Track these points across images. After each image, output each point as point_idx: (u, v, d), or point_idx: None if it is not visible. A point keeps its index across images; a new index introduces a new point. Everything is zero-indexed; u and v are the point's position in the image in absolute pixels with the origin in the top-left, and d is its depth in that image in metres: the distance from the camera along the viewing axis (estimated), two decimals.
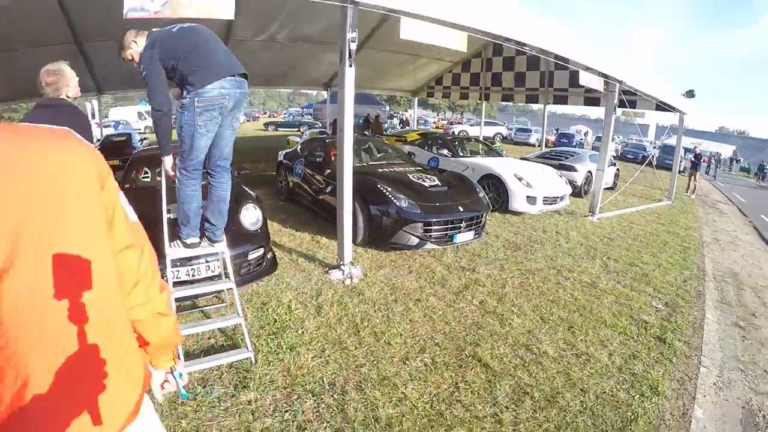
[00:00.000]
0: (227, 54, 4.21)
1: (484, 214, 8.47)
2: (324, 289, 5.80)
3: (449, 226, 7.63)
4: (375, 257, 7.19)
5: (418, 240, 7.33)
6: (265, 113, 76.76)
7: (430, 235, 7.45)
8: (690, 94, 15.37)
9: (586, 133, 47.96)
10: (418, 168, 9.27)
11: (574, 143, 36.47)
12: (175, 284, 4.44)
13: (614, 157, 23.41)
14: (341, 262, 6.26)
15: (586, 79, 10.27)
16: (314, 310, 5.24)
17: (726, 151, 55.95)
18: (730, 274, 8.61)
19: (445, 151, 12.89)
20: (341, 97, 6.14)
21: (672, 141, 24.78)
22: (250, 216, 5.81)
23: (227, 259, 4.33)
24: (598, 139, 37.75)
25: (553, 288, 6.61)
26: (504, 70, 19.67)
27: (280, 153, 10.93)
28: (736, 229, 13.97)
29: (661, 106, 15.06)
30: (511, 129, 44.36)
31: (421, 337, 4.82)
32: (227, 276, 4.39)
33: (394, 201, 7.18)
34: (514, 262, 7.61)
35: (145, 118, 43.33)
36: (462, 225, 7.80)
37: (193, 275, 4.91)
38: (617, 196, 14.67)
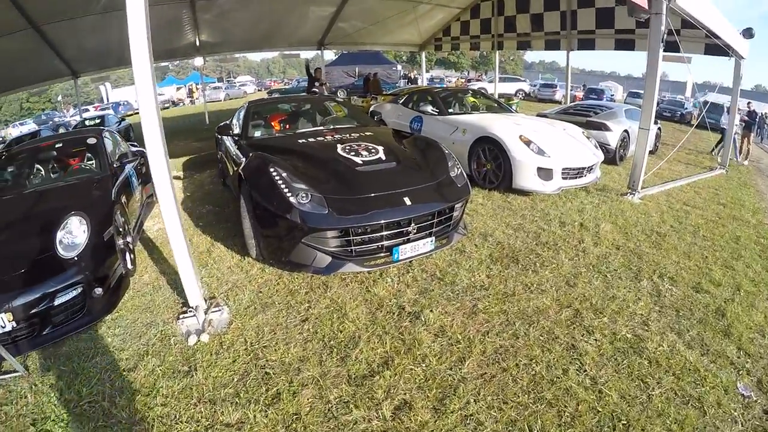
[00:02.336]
0: None
1: (459, 205, 5.31)
2: (151, 352, 3.68)
3: (385, 233, 4.59)
4: (267, 285, 4.70)
5: (330, 259, 4.49)
6: (283, 82, 72.12)
7: (351, 251, 4.53)
8: (748, 33, 11.49)
9: (613, 94, 43.21)
10: (364, 136, 6.22)
11: (606, 99, 32.15)
12: None
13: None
14: (188, 308, 4.09)
15: None
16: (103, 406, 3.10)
17: (766, 110, 51.37)
18: None
19: (430, 108, 9.51)
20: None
21: (712, 97, 21.37)
22: (70, 236, 4.21)
23: None
24: (632, 95, 33.87)
25: (561, 361, 3.52)
26: (518, 12, 16.70)
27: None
28: None
29: (712, 49, 11.62)
30: (534, 85, 39.99)
31: None
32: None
33: (287, 195, 4.49)
34: (499, 294, 4.52)
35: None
36: (410, 230, 4.69)
37: None
38: (662, 165, 10.98)
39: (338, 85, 36.76)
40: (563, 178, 7.53)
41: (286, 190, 4.48)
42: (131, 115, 37.00)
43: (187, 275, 3.98)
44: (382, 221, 4.50)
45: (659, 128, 14.00)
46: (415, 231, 4.71)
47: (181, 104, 43.45)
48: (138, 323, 4.13)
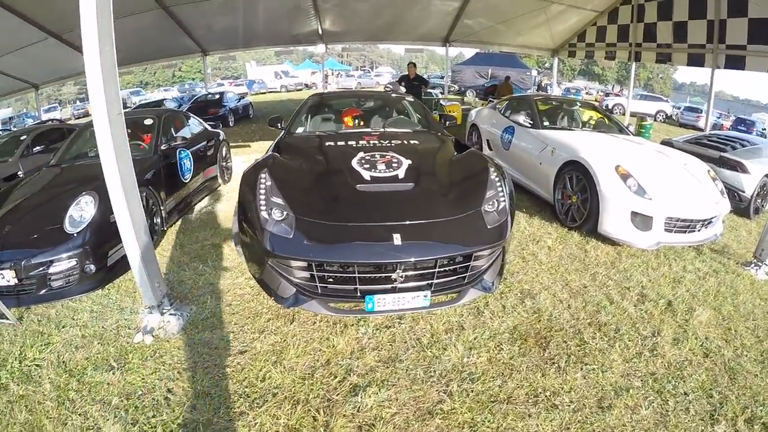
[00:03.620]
0: None
1: (487, 252, 3.89)
2: (102, 339, 3.78)
3: (360, 275, 3.59)
4: (241, 299, 4.36)
5: (293, 290, 3.66)
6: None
7: (317, 287, 3.64)
8: None
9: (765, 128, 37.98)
10: (403, 145, 5.22)
11: (755, 133, 28.06)
12: None
13: None
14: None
15: None
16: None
17: None
18: None
19: (522, 119, 7.73)
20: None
21: None
22: (81, 212, 4.55)
23: None
24: None
25: None
26: (659, 20, 14.34)
27: None
28: None
29: None
30: (678, 107, 35.14)
31: None
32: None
33: (261, 208, 3.81)
34: (484, 394, 3.21)
35: (281, 77, 44.34)
36: (395, 277, 3.57)
37: None
38: None
39: (469, 85, 35.37)
40: (666, 230, 5.62)
41: (262, 203, 3.82)
42: (264, 93, 38.10)
43: (141, 274, 3.74)
44: (352, 260, 3.45)
45: None
46: (402, 279, 3.50)
47: (315, 87, 44.05)
48: (114, 306, 4.26)
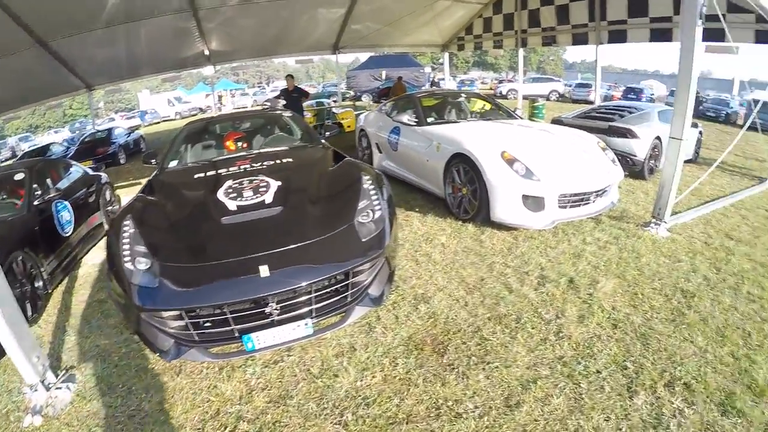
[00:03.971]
0: None
1: (368, 266, 3.62)
2: None
3: (232, 315, 3.26)
4: (130, 356, 3.86)
5: (171, 341, 3.31)
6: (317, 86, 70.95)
7: (192, 335, 3.31)
8: None
9: (653, 93, 39.79)
10: (273, 166, 4.90)
11: (645, 99, 29.38)
12: None
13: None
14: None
15: None
16: None
17: None
18: None
19: (406, 118, 7.56)
20: None
21: (762, 95, 18.94)
22: None
23: None
24: (674, 94, 30.94)
25: None
26: (542, 5, 14.92)
27: None
28: None
29: (766, 35, 9.52)
30: (569, 85, 36.74)
31: None
32: None
33: (125, 259, 3.43)
34: (381, 418, 2.93)
35: (173, 104, 42.40)
36: (269, 311, 3.27)
37: None
38: (704, 179, 8.74)
39: (364, 89, 35.40)
40: (561, 207, 5.61)
41: (126, 253, 3.46)
42: (158, 123, 36.64)
43: (15, 351, 3.27)
44: (220, 302, 3.10)
45: (700, 131, 11.65)
46: (278, 312, 3.20)
47: (209, 111, 42.64)
48: (2, 389, 3.67)
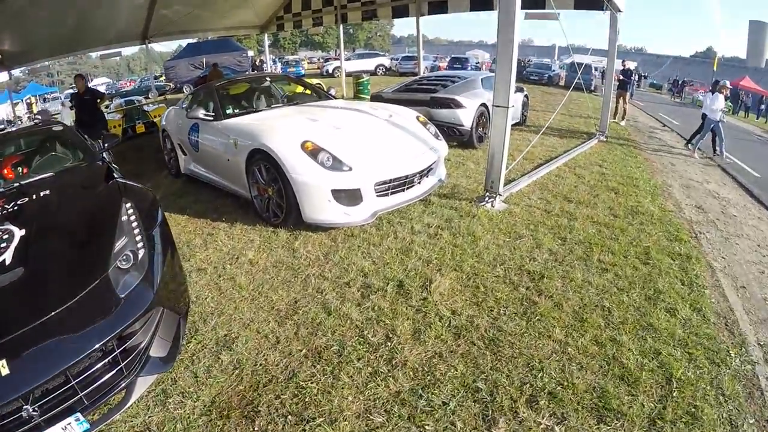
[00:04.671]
0: None
1: (148, 319, 2.77)
2: None
3: None
4: None
5: None
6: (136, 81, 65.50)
7: None
8: None
9: (479, 62, 41.33)
10: (37, 199, 3.73)
11: (470, 68, 30.29)
12: None
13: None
14: None
15: None
16: None
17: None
18: None
19: (202, 113, 6.24)
20: None
21: (578, 58, 20.12)
22: None
23: None
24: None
25: None
26: None
27: None
28: (706, 177, 8.56)
29: (584, 2, 9.94)
30: (396, 59, 37.14)
31: None
32: None
33: None
34: None
35: None
36: (26, 413, 2.23)
37: None
38: (536, 142, 8.52)
39: (185, 80, 32.76)
40: (381, 196, 4.88)
41: None
42: None
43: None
44: None
45: (526, 95, 11.66)
46: (37, 414, 2.31)
47: (19, 123, 37.26)
48: None
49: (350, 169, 4.58)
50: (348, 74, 20.61)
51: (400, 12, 14.87)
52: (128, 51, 18.84)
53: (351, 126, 5.43)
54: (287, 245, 4.66)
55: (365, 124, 5.62)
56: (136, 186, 3.86)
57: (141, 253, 2.93)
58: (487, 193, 5.52)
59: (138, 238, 3.03)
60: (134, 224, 3.13)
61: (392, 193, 4.92)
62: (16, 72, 15.73)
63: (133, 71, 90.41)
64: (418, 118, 6.01)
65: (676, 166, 8.85)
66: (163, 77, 35.92)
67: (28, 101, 40.67)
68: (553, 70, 27.49)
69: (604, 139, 9.97)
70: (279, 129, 5.12)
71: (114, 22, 14.40)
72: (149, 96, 20.49)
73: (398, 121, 5.77)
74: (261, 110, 6.41)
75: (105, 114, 11.32)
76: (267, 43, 21.13)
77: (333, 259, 4.30)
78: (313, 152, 4.58)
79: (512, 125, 10.21)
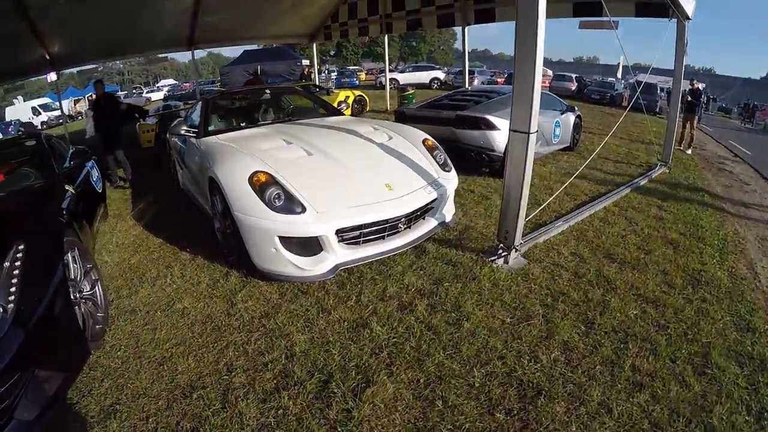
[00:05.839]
0: None
1: None
2: None
3: None
4: None
5: None
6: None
7: None
8: None
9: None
10: None
11: None
12: None
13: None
14: None
15: None
16: None
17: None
18: None
19: (185, 128, 5.57)
20: None
21: (644, 78, 18.71)
22: None
23: None
24: (557, 78, 30.80)
25: None
26: None
27: None
28: None
29: (645, 9, 8.71)
30: (452, 73, 36.25)
31: None
32: None
33: None
34: None
35: (40, 113, 37.28)
36: None
37: None
38: (581, 172, 7.07)
39: (238, 85, 33.11)
40: (348, 245, 3.76)
41: None
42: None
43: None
44: None
45: (578, 116, 10.16)
46: None
47: (79, 118, 38.27)
48: None
49: (303, 210, 3.51)
50: (403, 87, 20.15)
51: (445, 21, 14.34)
52: (198, 54, 18.72)
53: (327, 152, 4.31)
54: (228, 296, 3.70)
55: (347, 149, 4.53)
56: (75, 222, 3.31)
57: (10, 309, 2.35)
58: (500, 248, 4.31)
59: (12, 288, 2.43)
60: (15, 272, 2.51)
61: (365, 243, 3.79)
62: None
63: (201, 75, 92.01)
64: (425, 141, 4.89)
65: (750, 211, 7.07)
66: (220, 82, 36.26)
67: (90, 98, 41.92)
68: (617, 90, 25.88)
69: (667, 171, 8.49)
70: (231, 155, 4.15)
71: (160, 28, 14.42)
72: (189, 102, 19.98)
73: (397, 146, 4.68)
74: (243, 128, 5.44)
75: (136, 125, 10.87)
76: (315, 52, 20.71)
77: (267, 325, 3.29)
78: (262, 187, 3.57)
79: (560, 150, 9.04)
